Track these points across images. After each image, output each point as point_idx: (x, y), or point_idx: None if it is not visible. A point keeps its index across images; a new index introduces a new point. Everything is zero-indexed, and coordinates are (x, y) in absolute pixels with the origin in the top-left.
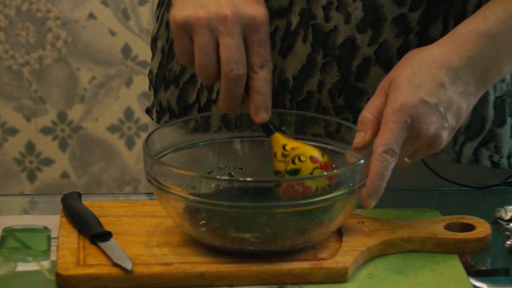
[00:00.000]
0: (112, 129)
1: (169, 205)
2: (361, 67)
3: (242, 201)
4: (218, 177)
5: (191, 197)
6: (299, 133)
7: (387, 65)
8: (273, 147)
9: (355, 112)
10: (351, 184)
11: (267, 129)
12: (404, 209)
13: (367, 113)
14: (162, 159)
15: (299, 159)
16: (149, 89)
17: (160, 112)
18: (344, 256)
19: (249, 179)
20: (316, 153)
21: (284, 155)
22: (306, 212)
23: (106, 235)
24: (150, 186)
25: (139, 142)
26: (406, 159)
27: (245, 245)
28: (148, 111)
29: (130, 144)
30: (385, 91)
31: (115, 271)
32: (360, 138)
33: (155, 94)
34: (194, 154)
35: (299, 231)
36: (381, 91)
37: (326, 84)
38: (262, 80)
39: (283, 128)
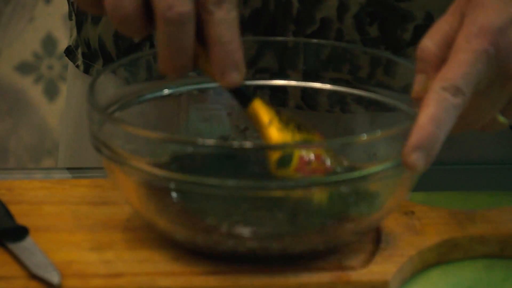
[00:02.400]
0: (24, 68)
1: (128, 183)
2: None
3: (241, 179)
4: (212, 142)
5: (166, 174)
6: (310, 76)
7: None
8: (259, 115)
9: (395, 48)
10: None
11: (242, 93)
12: (476, 192)
13: (430, 42)
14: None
15: (305, 129)
16: (70, 17)
17: (89, 56)
18: (383, 264)
19: (251, 144)
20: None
21: (284, 123)
22: (332, 198)
23: (20, 233)
24: (79, 157)
25: (65, 89)
26: (501, 118)
27: (237, 245)
28: (70, 53)
29: (51, 92)
30: (460, 10)
31: (34, 286)
32: (420, 83)
33: (79, 29)
34: (149, 111)
35: (319, 227)
36: (454, 11)
37: (351, 7)
38: (222, 22)
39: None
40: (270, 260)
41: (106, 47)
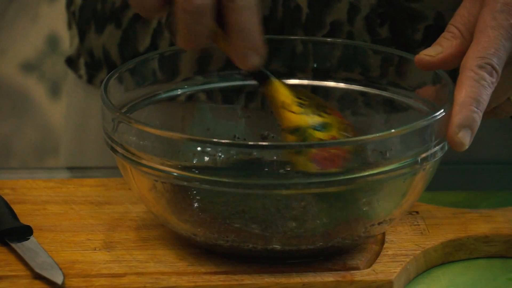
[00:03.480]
0: (27, 67)
1: (142, 182)
2: None
3: (252, 177)
4: (236, 141)
5: (186, 174)
6: (320, 76)
7: None
8: (276, 96)
9: (406, 49)
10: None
11: (261, 74)
12: (481, 192)
13: (453, 26)
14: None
15: (324, 110)
16: (69, 27)
17: (93, 66)
18: (387, 264)
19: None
20: (332, 107)
21: (301, 105)
22: (346, 196)
23: (24, 232)
24: (80, 159)
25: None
26: None
27: (247, 243)
28: (71, 62)
29: (54, 91)
30: None
31: (37, 286)
32: (432, 50)
33: (82, 38)
34: (160, 112)
35: (332, 225)
36: None
37: (361, 9)
38: (243, 9)
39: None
40: (274, 260)
41: (111, 56)
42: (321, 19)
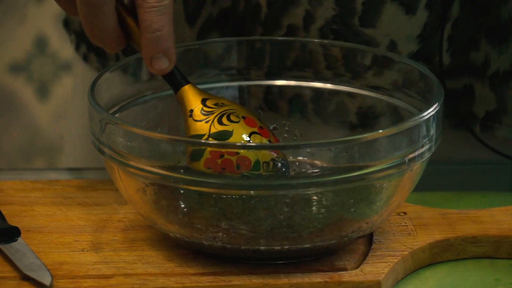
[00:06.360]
0: (15, 68)
1: (130, 183)
2: (370, 4)
3: (240, 177)
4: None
5: (173, 175)
6: (275, 75)
7: (410, 4)
8: (185, 102)
9: (355, 75)
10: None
11: (173, 80)
12: (468, 193)
13: None
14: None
15: (228, 118)
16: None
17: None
18: (375, 264)
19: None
20: (250, 114)
21: (205, 113)
22: (333, 197)
23: (11, 233)
24: (73, 157)
25: (57, 90)
26: None
27: (235, 243)
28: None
29: (42, 93)
30: None
31: (25, 287)
32: None
33: (78, 44)
34: (151, 111)
35: (320, 226)
36: None
37: (317, 19)
38: (153, 9)
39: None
40: (262, 261)
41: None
42: (278, 20)
